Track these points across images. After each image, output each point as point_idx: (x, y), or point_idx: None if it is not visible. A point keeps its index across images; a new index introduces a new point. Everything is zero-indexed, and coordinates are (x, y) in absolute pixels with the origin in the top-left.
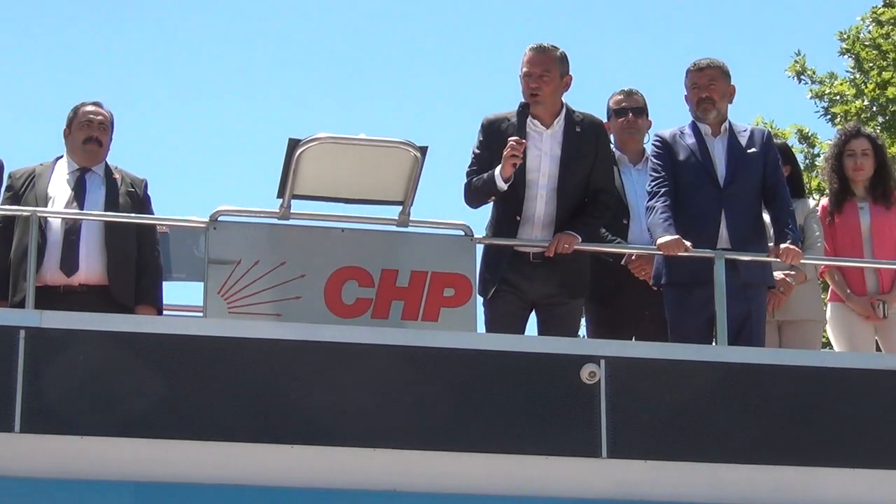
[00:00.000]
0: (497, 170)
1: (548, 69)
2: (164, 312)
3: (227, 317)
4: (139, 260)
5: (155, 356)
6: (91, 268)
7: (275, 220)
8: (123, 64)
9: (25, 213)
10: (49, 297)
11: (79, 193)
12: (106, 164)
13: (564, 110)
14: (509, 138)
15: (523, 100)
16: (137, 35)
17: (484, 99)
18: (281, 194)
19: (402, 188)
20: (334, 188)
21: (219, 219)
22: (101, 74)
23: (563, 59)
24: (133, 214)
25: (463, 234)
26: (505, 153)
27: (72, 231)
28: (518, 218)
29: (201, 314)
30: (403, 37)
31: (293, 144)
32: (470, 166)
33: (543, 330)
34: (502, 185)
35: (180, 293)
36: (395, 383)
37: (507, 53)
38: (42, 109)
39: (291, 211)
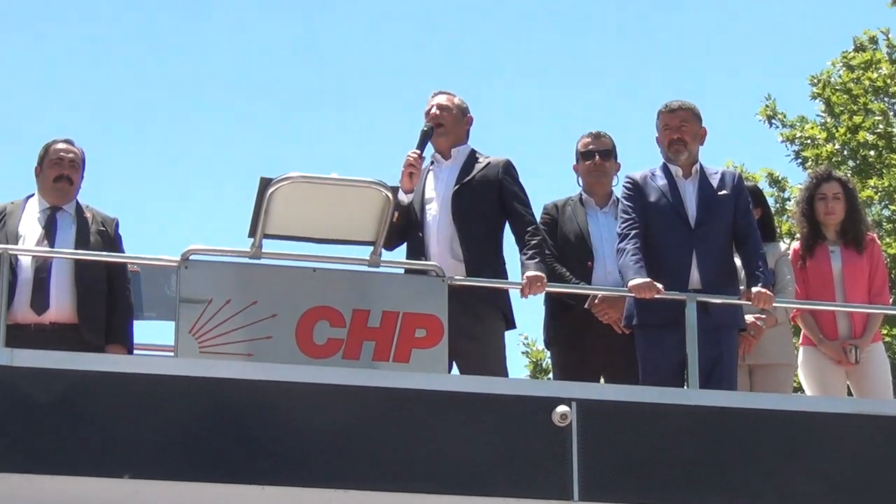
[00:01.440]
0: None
1: (449, 104)
2: (135, 352)
3: (198, 356)
4: (110, 299)
5: (125, 395)
6: (61, 306)
7: (246, 260)
8: (94, 102)
9: None
10: (19, 336)
11: (49, 232)
12: (77, 202)
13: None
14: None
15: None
16: (108, 73)
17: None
18: (252, 233)
19: (374, 228)
20: (306, 227)
21: (190, 258)
22: (72, 111)
23: (462, 103)
24: (104, 253)
25: (435, 274)
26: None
27: (42, 269)
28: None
29: (172, 353)
30: (378, 72)
31: (265, 183)
32: None
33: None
34: (403, 199)
35: (151, 332)
36: (366, 424)
37: (484, 95)
38: (12, 147)
39: (263, 250)
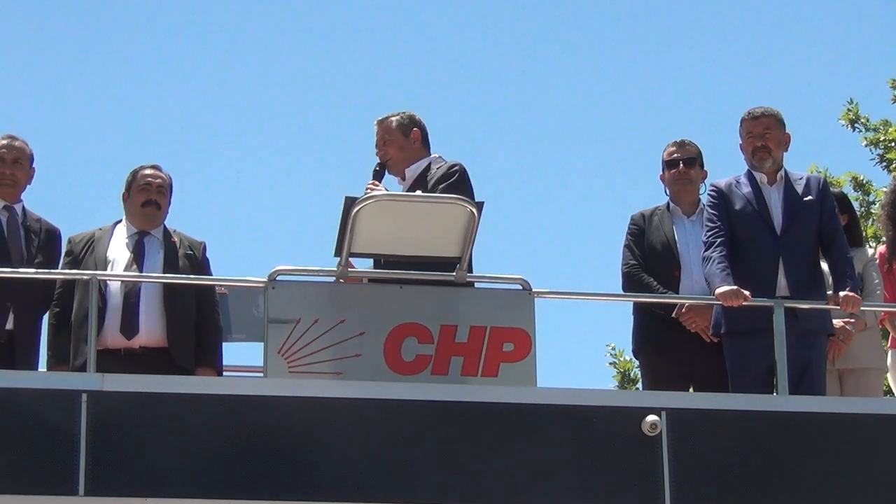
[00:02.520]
0: None
1: (388, 134)
2: (225, 373)
3: (287, 376)
4: (199, 322)
5: (216, 417)
6: (151, 330)
7: (333, 279)
8: (179, 128)
9: (85, 277)
10: (110, 360)
11: (138, 256)
12: (164, 227)
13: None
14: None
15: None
16: (194, 102)
17: (550, 158)
18: (338, 252)
19: (459, 244)
20: (391, 245)
21: (277, 278)
22: (158, 140)
23: (401, 123)
24: (192, 276)
25: (521, 288)
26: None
27: (131, 294)
28: None
29: (262, 374)
30: (460, 90)
31: (349, 203)
32: None
33: None
34: None
35: (240, 354)
36: (458, 440)
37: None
38: (100, 174)
39: (349, 269)
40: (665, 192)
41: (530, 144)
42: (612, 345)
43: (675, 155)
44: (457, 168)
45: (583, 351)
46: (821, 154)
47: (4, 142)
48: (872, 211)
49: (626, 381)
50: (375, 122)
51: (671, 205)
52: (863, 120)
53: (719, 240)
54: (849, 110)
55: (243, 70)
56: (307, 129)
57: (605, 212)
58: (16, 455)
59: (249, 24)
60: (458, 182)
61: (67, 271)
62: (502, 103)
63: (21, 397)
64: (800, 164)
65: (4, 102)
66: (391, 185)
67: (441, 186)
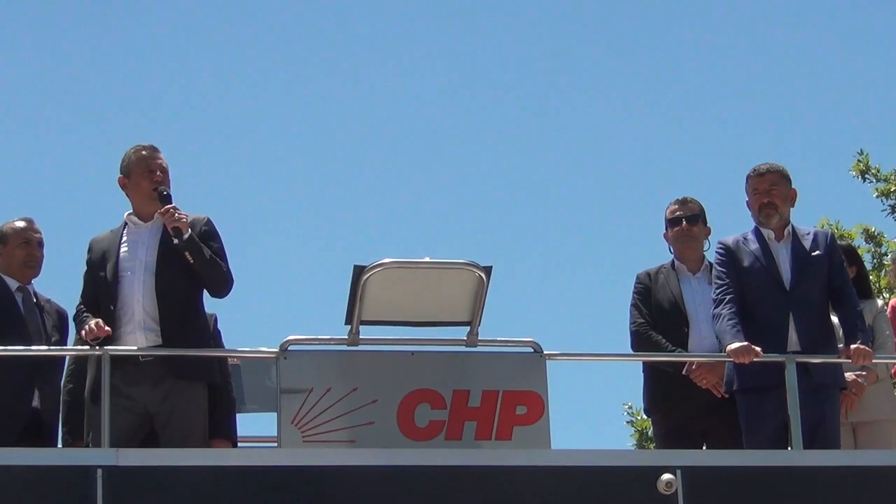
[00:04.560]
0: None
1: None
2: (239, 444)
3: (301, 446)
4: (212, 393)
5: (232, 489)
6: None
7: (344, 348)
8: (189, 197)
9: (97, 353)
10: None
11: None
12: None
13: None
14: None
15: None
16: (206, 170)
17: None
18: (349, 321)
19: (469, 308)
20: (401, 312)
21: (289, 348)
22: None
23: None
24: (204, 348)
25: (532, 350)
26: None
27: None
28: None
29: (276, 444)
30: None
31: (358, 271)
32: None
33: None
34: None
35: (254, 425)
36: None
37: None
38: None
39: (360, 337)
40: (669, 249)
41: (536, 207)
42: (629, 403)
43: (678, 213)
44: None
45: (600, 411)
46: (831, 206)
47: (27, 224)
48: (884, 262)
49: (643, 439)
50: (156, 151)
51: (676, 262)
52: (873, 171)
53: (729, 297)
54: (859, 161)
55: (252, 135)
56: (316, 199)
57: (613, 271)
58: None
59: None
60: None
61: (80, 348)
62: (508, 167)
63: (37, 474)
64: (810, 216)
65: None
66: None
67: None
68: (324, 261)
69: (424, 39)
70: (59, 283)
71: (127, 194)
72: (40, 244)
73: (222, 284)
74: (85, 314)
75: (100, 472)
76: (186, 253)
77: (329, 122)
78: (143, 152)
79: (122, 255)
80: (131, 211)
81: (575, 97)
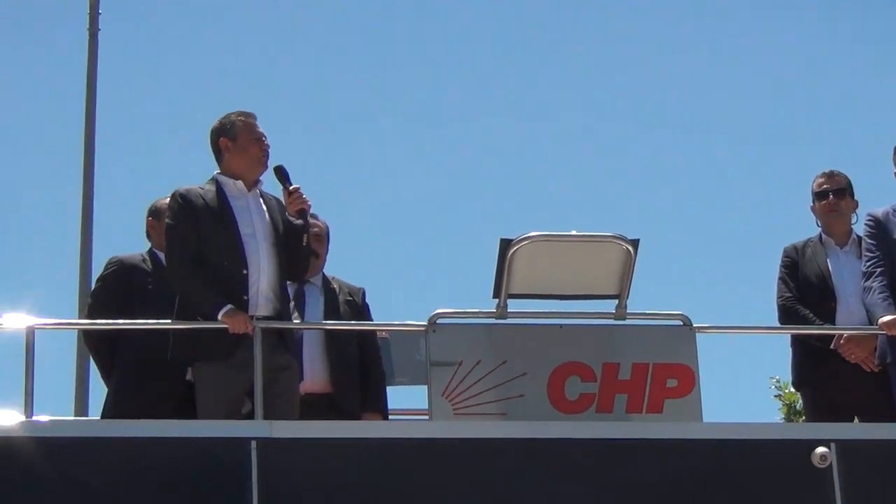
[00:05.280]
0: None
1: None
2: (390, 417)
3: (453, 418)
4: (362, 366)
5: (384, 461)
6: (315, 377)
7: (492, 321)
8: (333, 174)
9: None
10: None
11: (299, 305)
12: (323, 275)
13: None
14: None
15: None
16: (351, 147)
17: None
18: (496, 294)
19: (617, 282)
20: (549, 285)
21: (437, 322)
22: (313, 185)
23: None
24: (353, 322)
25: (682, 323)
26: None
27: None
28: None
29: (426, 417)
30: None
31: (505, 245)
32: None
33: None
34: None
35: (403, 397)
36: (626, 478)
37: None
38: None
39: (508, 310)
40: (816, 223)
41: (686, 179)
42: (777, 377)
43: (825, 186)
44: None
45: (746, 384)
46: None
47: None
48: None
49: (791, 413)
50: (254, 119)
51: (823, 236)
52: None
53: (879, 269)
54: None
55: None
56: (464, 173)
57: (761, 243)
58: (189, 503)
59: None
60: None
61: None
62: (656, 140)
63: (193, 446)
64: None
65: None
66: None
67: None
68: (472, 233)
69: None
70: None
71: (226, 157)
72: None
73: (305, 273)
74: (217, 297)
75: (254, 443)
76: (305, 234)
77: (479, 98)
78: (250, 119)
79: (239, 219)
80: (220, 171)
81: (724, 63)
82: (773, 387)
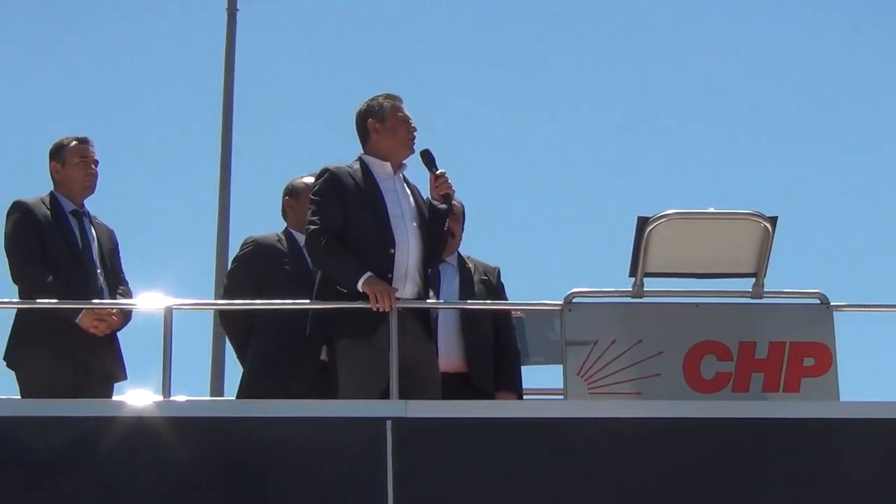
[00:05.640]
0: None
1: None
2: (525, 397)
3: (588, 398)
4: (497, 346)
5: (519, 441)
6: (450, 356)
7: (628, 300)
8: (469, 150)
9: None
10: None
11: (434, 285)
12: (459, 254)
13: None
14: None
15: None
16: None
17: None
18: (633, 273)
19: (754, 259)
20: (685, 263)
21: (573, 301)
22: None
23: None
24: (488, 301)
25: (819, 302)
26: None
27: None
28: None
29: (562, 397)
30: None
31: (642, 222)
32: None
33: None
34: None
35: (537, 377)
36: (762, 457)
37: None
38: None
39: (644, 289)
40: None
41: (822, 155)
42: None
43: None
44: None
45: (885, 363)
46: None
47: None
48: None
49: None
50: (401, 101)
51: None
52: None
53: None
54: None
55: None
56: (599, 150)
57: None
58: (325, 482)
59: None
60: None
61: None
62: (789, 113)
63: (329, 426)
64: None
65: None
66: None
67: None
68: (606, 212)
69: None
70: None
71: (374, 138)
72: None
73: (440, 257)
74: (359, 265)
75: (389, 423)
76: (447, 220)
77: (608, 71)
78: (397, 102)
79: (387, 199)
80: (364, 152)
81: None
82: None
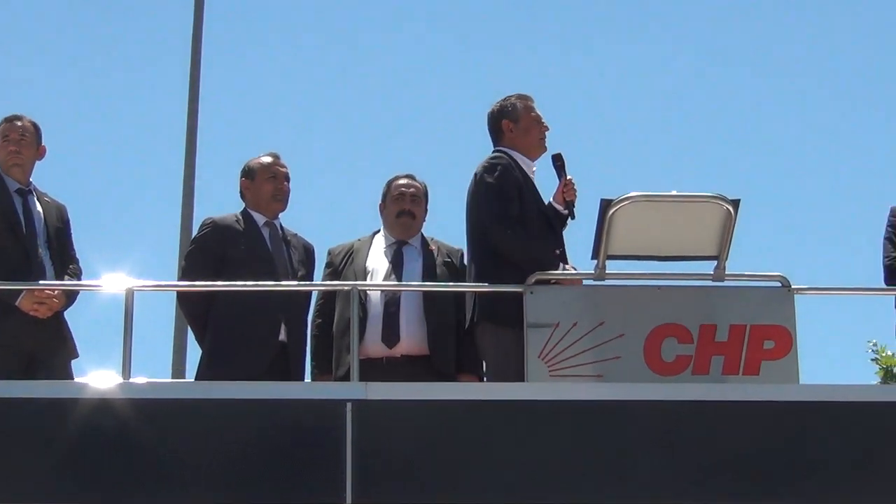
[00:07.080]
0: None
1: None
2: (485, 379)
3: (548, 380)
4: (458, 328)
5: (479, 422)
6: (412, 338)
7: (591, 282)
8: (433, 140)
9: (346, 288)
10: (372, 369)
11: (397, 266)
12: (422, 235)
13: None
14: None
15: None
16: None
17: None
18: (595, 255)
19: (716, 242)
20: (647, 246)
21: (535, 283)
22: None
23: None
24: (451, 283)
25: (780, 285)
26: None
27: (392, 303)
28: None
29: (523, 379)
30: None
31: (605, 205)
32: None
33: None
34: None
35: None
36: (722, 440)
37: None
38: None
39: (606, 271)
40: None
41: (785, 140)
42: (874, 341)
43: None
44: None
45: (842, 347)
46: None
47: (274, 159)
48: None
49: (889, 377)
50: (532, 101)
51: None
52: None
53: None
54: None
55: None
56: (561, 126)
57: (864, 204)
58: (284, 464)
59: None
60: None
61: (330, 282)
62: (759, 98)
63: (288, 408)
64: None
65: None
66: None
67: None
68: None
69: None
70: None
71: (508, 137)
72: (286, 178)
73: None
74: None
75: (349, 405)
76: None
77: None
78: (529, 102)
79: (528, 196)
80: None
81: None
82: (870, 350)
